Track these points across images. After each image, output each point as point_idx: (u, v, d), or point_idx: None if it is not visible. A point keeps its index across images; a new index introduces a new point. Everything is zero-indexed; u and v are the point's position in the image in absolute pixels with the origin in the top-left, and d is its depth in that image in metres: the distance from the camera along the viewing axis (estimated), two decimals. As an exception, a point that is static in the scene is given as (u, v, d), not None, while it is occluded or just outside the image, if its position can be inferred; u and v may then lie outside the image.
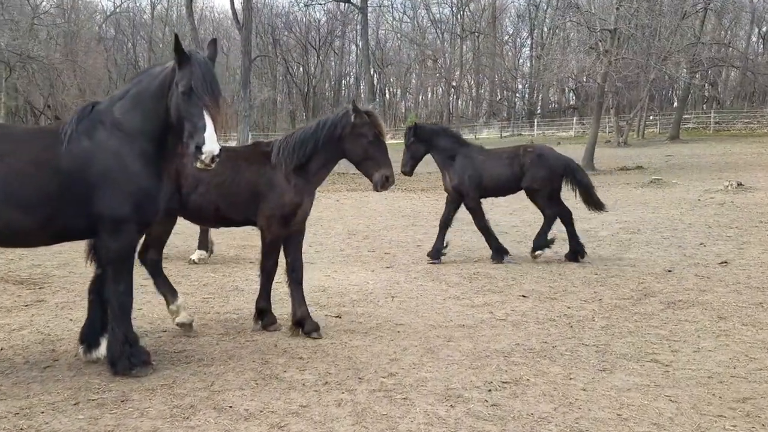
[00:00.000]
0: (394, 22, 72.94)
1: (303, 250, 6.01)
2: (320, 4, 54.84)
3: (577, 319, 6.42)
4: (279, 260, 5.95)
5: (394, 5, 79.36)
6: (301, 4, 68.16)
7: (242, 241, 11.10)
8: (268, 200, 5.68)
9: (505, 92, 72.00)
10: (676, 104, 51.97)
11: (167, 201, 5.28)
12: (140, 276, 7.18)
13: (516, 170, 9.45)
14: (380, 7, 64.68)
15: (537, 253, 9.42)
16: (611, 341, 5.65)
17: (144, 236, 5.76)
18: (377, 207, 17.55)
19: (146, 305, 6.70)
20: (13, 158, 4.36)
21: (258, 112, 63.08)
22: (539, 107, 67.86)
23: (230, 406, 4.16)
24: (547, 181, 9.39)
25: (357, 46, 67.24)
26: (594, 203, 9.74)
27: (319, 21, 70.48)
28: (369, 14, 49.52)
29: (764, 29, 56.47)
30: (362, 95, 49.41)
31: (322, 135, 5.66)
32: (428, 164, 10.78)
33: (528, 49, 70.12)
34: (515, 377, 4.75)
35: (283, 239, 5.83)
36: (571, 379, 4.73)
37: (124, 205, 4.49)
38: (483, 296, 7.42)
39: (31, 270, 8.65)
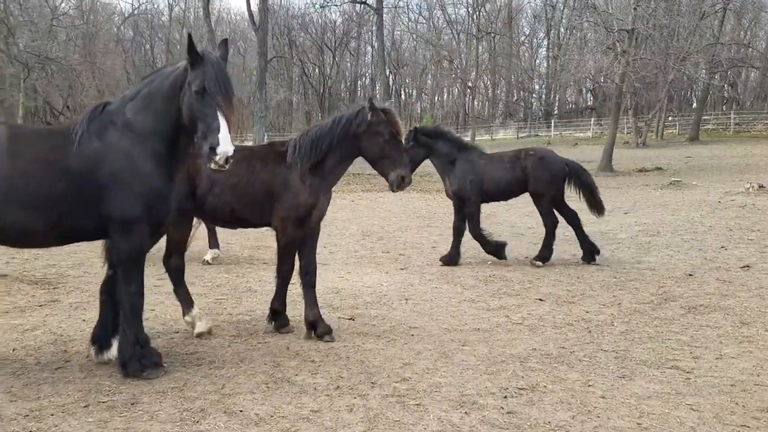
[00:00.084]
0: (409, 23, 72.84)
1: (317, 252, 5.94)
2: (336, 5, 54.77)
3: (595, 323, 6.29)
4: (295, 263, 5.87)
5: (410, 6, 79.56)
6: (317, 6, 68.64)
7: (256, 242, 11.08)
8: (282, 201, 5.60)
9: (521, 93, 71.69)
10: (695, 105, 51.45)
11: (180, 202, 5.26)
12: (153, 277, 7.22)
13: (518, 174, 9.34)
14: (396, 8, 64.59)
15: (538, 263, 9.26)
16: (631, 347, 5.52)
17: (166, 242, 5.76)
18: (392, 208, 17.47)
19: (159, 306, 6.69)
20: (23, 159, 4.34)
21: (274, 113, 63.28)
22: (556, 108, 67.47)
23: (241, 411, 4.10)
24: (551, 183, 9.29)
25: (372, 46, 67.26)
26: (596, 205, 9.61)
27: (335, 22, 70.74)
28: (384, 15, 49.51)
29: (785, 29, 55.61)
30: (378, 96, 49.35)
31: (337, 132, 5.58)
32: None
33: (544, 49, 69.97)
34: (532, 384, 4.64)
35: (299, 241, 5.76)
36: (589, 386, 4.61)
37: (135, 206, 4.46)
38: (499, 299, 7.30)
39: (46, 270, 8.68)
